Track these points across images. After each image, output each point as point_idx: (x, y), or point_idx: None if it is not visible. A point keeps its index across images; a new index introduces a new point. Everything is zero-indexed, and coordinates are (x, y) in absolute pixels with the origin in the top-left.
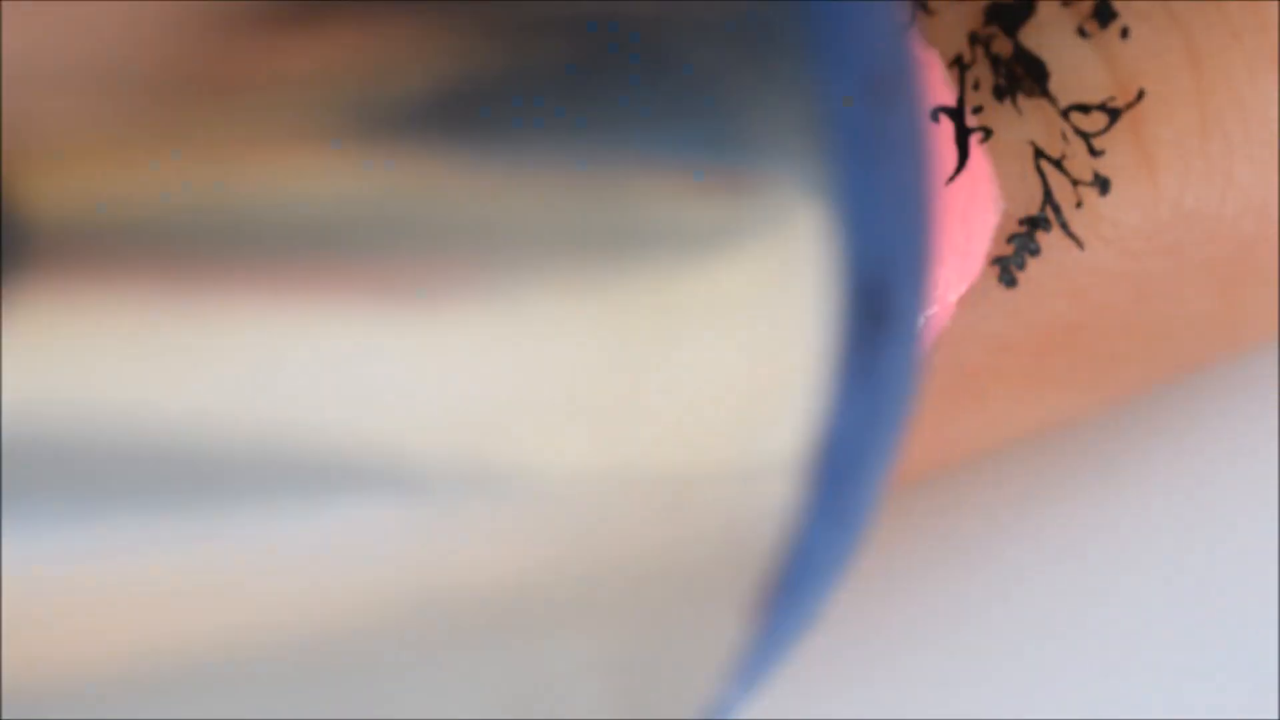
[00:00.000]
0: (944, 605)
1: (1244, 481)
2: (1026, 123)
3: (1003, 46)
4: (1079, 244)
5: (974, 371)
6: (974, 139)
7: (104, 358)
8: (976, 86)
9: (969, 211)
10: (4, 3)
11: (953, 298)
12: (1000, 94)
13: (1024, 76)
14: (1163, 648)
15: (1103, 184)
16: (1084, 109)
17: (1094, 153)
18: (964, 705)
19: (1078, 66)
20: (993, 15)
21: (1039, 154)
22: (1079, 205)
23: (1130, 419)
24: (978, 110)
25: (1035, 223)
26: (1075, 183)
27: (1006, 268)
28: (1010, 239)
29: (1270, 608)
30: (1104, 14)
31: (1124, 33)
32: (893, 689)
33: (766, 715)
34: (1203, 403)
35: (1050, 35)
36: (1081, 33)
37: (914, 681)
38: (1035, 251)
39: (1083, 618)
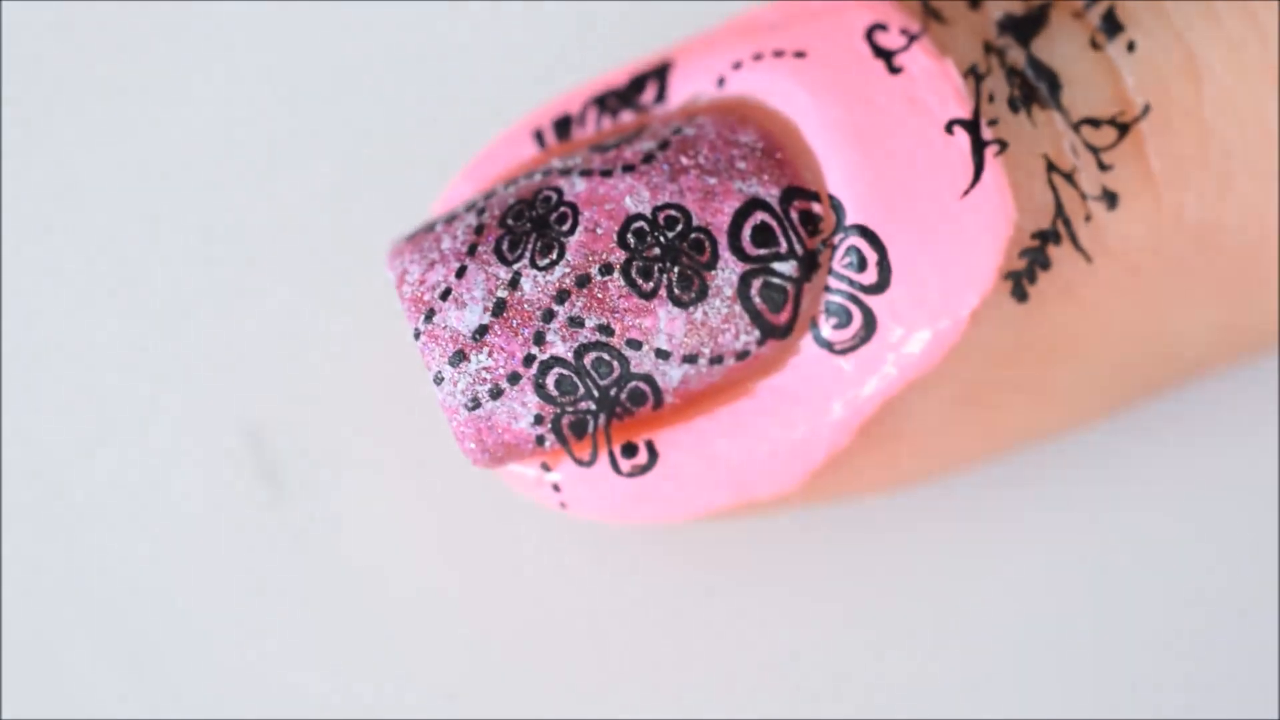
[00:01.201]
0: (947, 603)
1: (1244, 482)
2: (1039, 136)
3: (1017, 58)
4: (1087, 258)
5: (981, 382)
6: (989, 152)
7: None
8: (992, 99)
9: (983, 225)
10: None
11: (965, 312)
12: (1015, 106)
13: (1038, 88)
14: (1163, 648)
15: (1110, 198)
16: (1094, 123)
17: (1103, 167)
18: (964, 705)
19: (1088, 79)
20: (1006, 26)
21: (1051, 167)
22: (1088, 219)
23: (1130, 420)
24: (994, 123)
25: (1046, 237)
26: (1085, 196)
27: (1018, 282)
28: (1022, 253)
29: (1270, 608)
30: (1111, 27)
31: (1130, 46)
32: (893, 691)
33: (769, 716)
34: (1203, 405)
35: (1062, 47)
36: (1093, 45)
37: (914, 684)
38: (1046, 265)
39: (1083, 618)
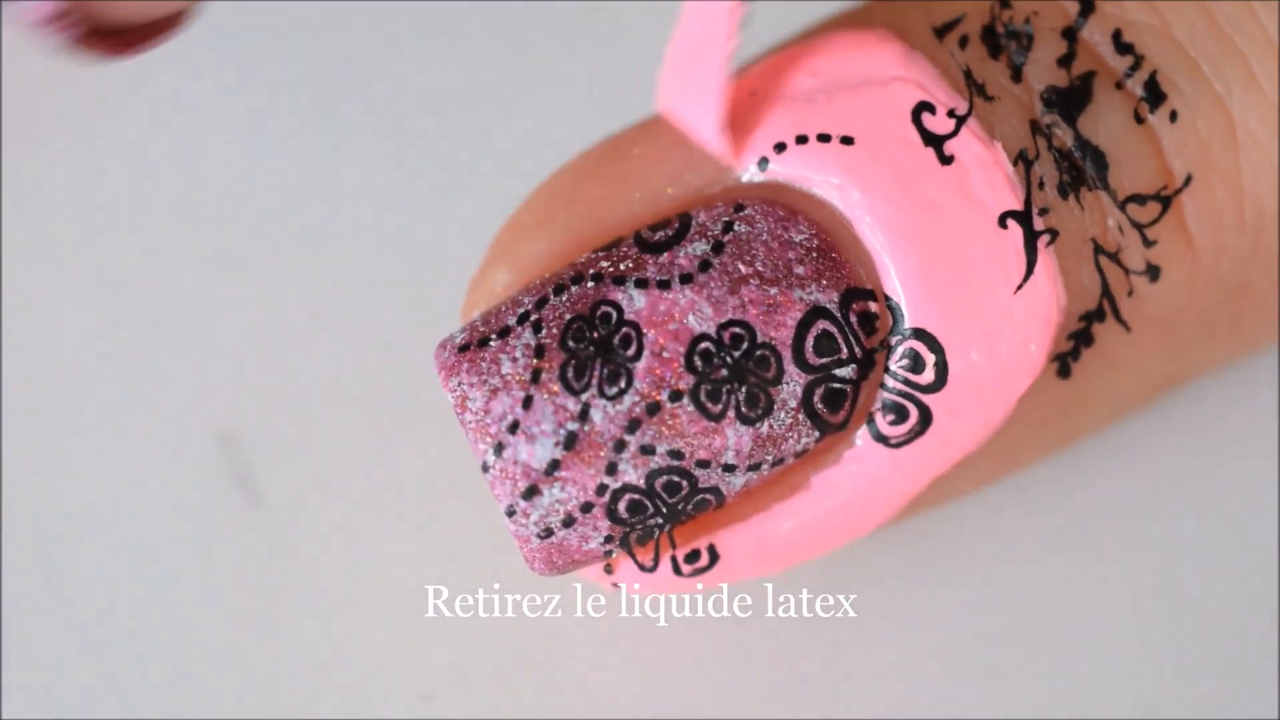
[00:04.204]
0: (950, 601)
1: (1244, 481)
2: (1088, 219)
3: (1064, 137)
4: (1127, 328)
5: (1018, 447)
6: (1041, 243)
7: None
8: (1042, 184)
9: (1035, 316)
10: None
11: (1014, 399)
12: (1064, 191)
13: (1085, 170)
14: (1163, 646)
15: (1154, 272)
16: (1140, 200)
17: (1148, 244)
18: (966, 706)
19: (1134, 156)
20: (1051, 101)
21: (1098, 250)
22: (1130, 294)
23: (1130, 424)
24: (1044, 212)
25: (1092, 317)
26: (1128, 272)
27: (1065, 363)
28: (1070, 335)
29: (1270, 607)
30: (1154, 97)
31: (1173, 116)
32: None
33: (769, 715)
34: (1203, 400)
35: (1108, 123)
36: (1137, 118)
37: (915, 689)
38: (1090, 343)
39: (1082, 616)
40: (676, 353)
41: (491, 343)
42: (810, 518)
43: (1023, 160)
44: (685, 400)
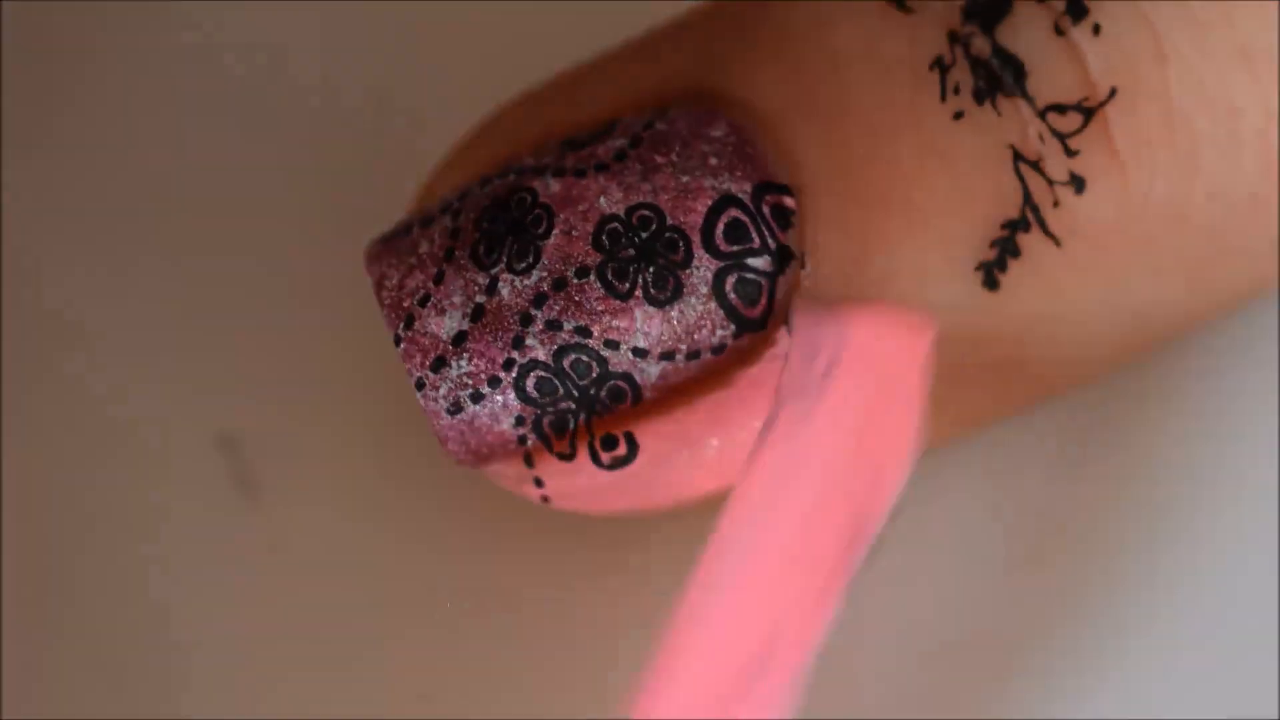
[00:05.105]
0: (949, 601)
1: (1244, 469)
2: (1006, 126)
3: (981, 47)
4: (1057, 242)
5: (956, 367)
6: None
7: None
8: (957, 90)
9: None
10: None
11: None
12: (980, 97)
13: (1003, 77)
14: (1159, 643)
15: (1078, 183)
16: (1060, 109)
17: (1070, 153)
18: (953, 703)
19: (1053, 65)
20: (970, 13)
21: (1018, 157)
22: (1056, 205)
23: (1128, 405)
24: (959, 115)
25: (1015, 225)
26: (1052, 183)
27: (990, 272)
28: (993, 243)
29: (1270, 602)
30: (1076, 10)
31: (1095, 30)
32: (877, 687)
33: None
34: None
35: (1027, 33)
36: (1057, 30)
37: (897, 680)
38: (1016, 254)
39: (1084, 614)
40: (585, 231)
41: (414, 230)
42: (736, 420)
43: (939, 67)
44: (592, 277)
